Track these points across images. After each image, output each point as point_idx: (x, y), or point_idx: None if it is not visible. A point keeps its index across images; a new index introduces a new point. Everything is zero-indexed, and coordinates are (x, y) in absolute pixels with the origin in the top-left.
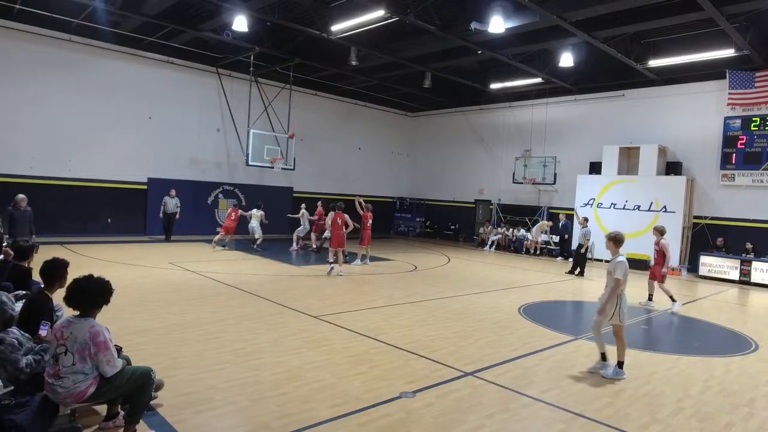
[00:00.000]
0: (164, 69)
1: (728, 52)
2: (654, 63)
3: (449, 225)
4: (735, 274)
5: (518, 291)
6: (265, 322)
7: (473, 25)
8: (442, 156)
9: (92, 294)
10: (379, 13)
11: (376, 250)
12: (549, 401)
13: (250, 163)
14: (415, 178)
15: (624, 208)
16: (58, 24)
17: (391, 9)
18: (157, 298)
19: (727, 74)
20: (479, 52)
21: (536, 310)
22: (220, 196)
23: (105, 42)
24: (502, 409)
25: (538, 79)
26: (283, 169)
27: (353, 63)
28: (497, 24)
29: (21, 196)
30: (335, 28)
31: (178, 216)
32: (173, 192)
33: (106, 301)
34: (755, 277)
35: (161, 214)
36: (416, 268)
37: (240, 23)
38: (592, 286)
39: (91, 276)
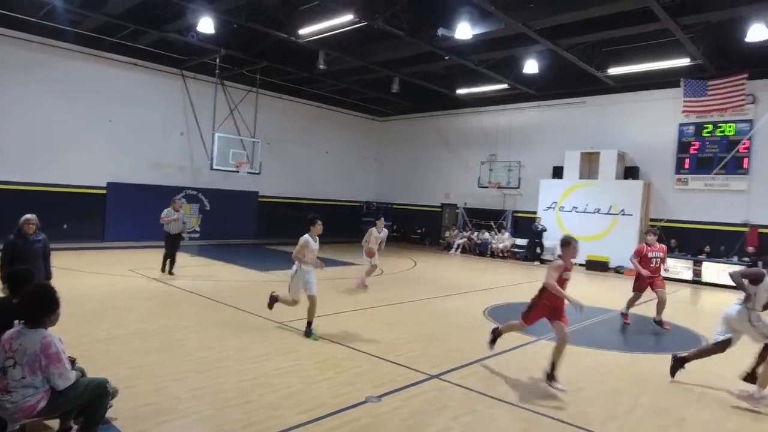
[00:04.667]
0: (127, 70)
1: (683, 62)
2: (613, 71)
3: (416, 229)
4: (688, 274)
5: (484, 294)
6: (231, 329)
7: (440, 31)
8: (410, 160)
9: (42, 303)
10: (348, 17)
11: (342, 254)
12: (513, 401)
13: (214, 167)
14: (383, 183)
15: (585, 212)
16: (16, 23)
17: (360, 13)
18: (117, 307)
19: (682, 83)
20: (446, 57)
21: (501, 312)
22: (183, 200)
23: (64, 42)
24: (467, 410)
25: (504, 85)
26: (248, 173)
27: (321, 67)
28: (464, 30)
29: (29, 216)
30: (303, 31)
31: (184, 237)
32: (179, 203)
33: (53, 311)
34: (706, 277)
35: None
36: (383, 272)
37: (206, 25)
38: None
39: (41, 284)
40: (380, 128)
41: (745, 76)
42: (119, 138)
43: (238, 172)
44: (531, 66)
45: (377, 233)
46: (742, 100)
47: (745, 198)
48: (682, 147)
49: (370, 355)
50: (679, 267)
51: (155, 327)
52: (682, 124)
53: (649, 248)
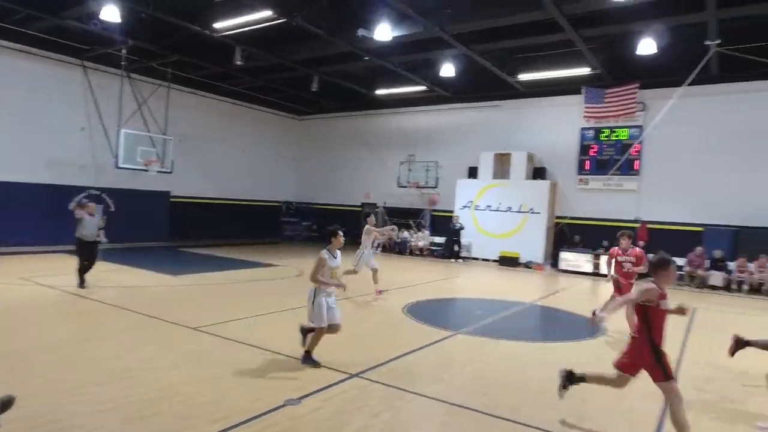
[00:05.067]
0: (17, 59)
1: (585, 71)
2: (523, 77)
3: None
4: (589, 267)
5: (403, 291)
6: (139, 337)
7: (360, 32)
8: (330, 159)
9: None
10: (266, 13)
11: (261, 255)
12: (432, 395)
13: (120, 165)
14: (302, 182)
15: (498, 210)
16: None
17: (278, 10)
18: (10, 318)
19: (583, 90)
20: (366, 58)
21: (420, 309)
22: (85, 201)
23: None
24: (387, 407)
25: (422, 87)
26: (159, 172)
27: (238, 62)
28: (383, 32)
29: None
30: (219, 25)
31: (101, 241)
32: (93, 206)
33: None
34: (604, 269)
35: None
36: (302, 273)
37: (110, 13)
38: (470, 284)
39: None
40: (300, 127)
41: (637, 85)
42: (9, 132)
43: (147, 170)
44: (448, 69)
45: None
46: (634, 107)
47: (636, 197)
48: (583, 150)
49: (289, 357)
50: (581, 261)
51: (54, 339)
52: (583, 129)
53: (620, 252)
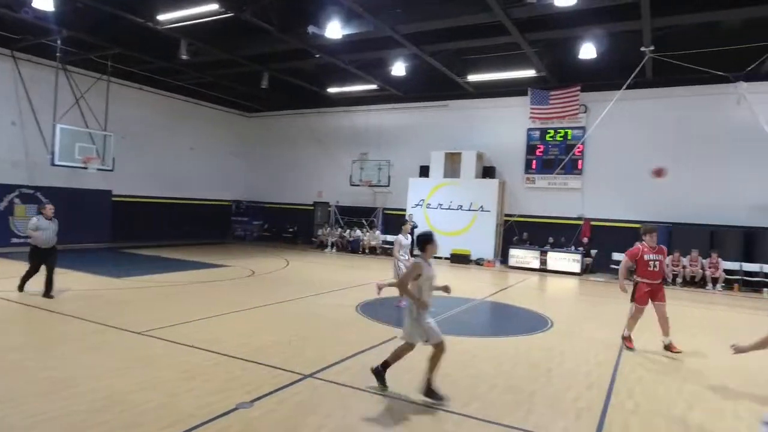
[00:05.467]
0: None
1: (530, 73)
2: (472, 78)
3: (288, 228)
4: (536, 263)
5: (357, 290)
6: (80, 344)
7: (310, 29)
8: (282, 158)
9: None
10: (213, 6)
11: (210, 256)
12: (386, 393)
13: (56, 162)
14: (253, 181)
15: (449, 208)
16: None
17: (225, 4)
18: None
19: (529, 92)
20: (318, 55)
21: (373, 307)
22: (17, 200)
23: None
24: (340, 406)
25: (374, 86)
26: (99, 170)
27: (184, 57)
28: (334, 30)
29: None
30: (163, 17)
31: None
32: (50, 208)
33: None
34: (551, 265)
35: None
36: (254, 273)
37: (43, 0)
38: None
39: None
40: (250, 124)
41: (579, 88)
42: None
43: (86, 168)
44: (399, 69)
45: (405, 241)
46: (577, 109)
47: (580, 195)
48: (530, 149)
49: (241, 359)
50: (529, 257)
51: None
52: (530, 129)
53: (646, 249)
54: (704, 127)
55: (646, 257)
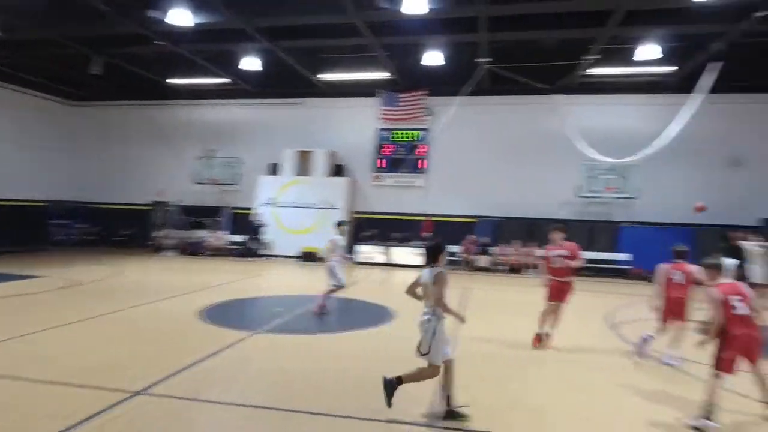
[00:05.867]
0: None
1: (382, 75)
2: (325, 77)
3: (121, 231)
4: (382, 258)
5: (199, 294)
6: None
7: (151, 13)
8: (115, 153)
9: None
10: None
11: (17, 266)
12: (228, 401)
13: None
14: (78, 178)
15: (299, 206)
16: None
17: None
18: None
19: (379, 93)
20: (160, 43)
21: (216, 312)
22: None
23: None
24: (175, 422)
25: (224, 80)
26: None
27: None
28: (180, 17)
29: None
30: None
31: None
32: None
33: None
34: (395, 259)
35: None
36: (71, 284)
37: None
38: (271, 282)
39: None
40: (76, 114)
41: (426, 92)
42: None
43: None
44: (251, 63)
45: (341, 242)
46: (423, 112)
47: (424, 192)
48: (379, 149)
49: (55, 383)
50: (374, 253)
51: None
52: (380, 129)
53: (550, 247)
54: (526, 133)
55: (549, 253)
